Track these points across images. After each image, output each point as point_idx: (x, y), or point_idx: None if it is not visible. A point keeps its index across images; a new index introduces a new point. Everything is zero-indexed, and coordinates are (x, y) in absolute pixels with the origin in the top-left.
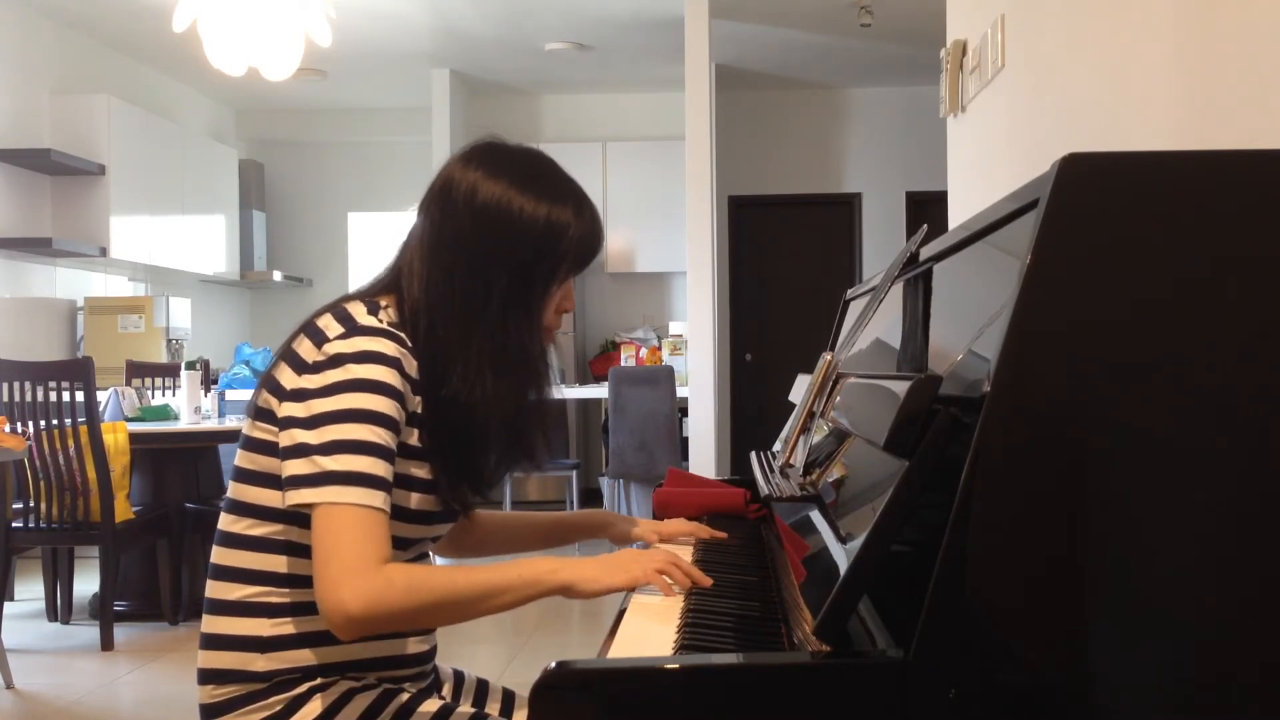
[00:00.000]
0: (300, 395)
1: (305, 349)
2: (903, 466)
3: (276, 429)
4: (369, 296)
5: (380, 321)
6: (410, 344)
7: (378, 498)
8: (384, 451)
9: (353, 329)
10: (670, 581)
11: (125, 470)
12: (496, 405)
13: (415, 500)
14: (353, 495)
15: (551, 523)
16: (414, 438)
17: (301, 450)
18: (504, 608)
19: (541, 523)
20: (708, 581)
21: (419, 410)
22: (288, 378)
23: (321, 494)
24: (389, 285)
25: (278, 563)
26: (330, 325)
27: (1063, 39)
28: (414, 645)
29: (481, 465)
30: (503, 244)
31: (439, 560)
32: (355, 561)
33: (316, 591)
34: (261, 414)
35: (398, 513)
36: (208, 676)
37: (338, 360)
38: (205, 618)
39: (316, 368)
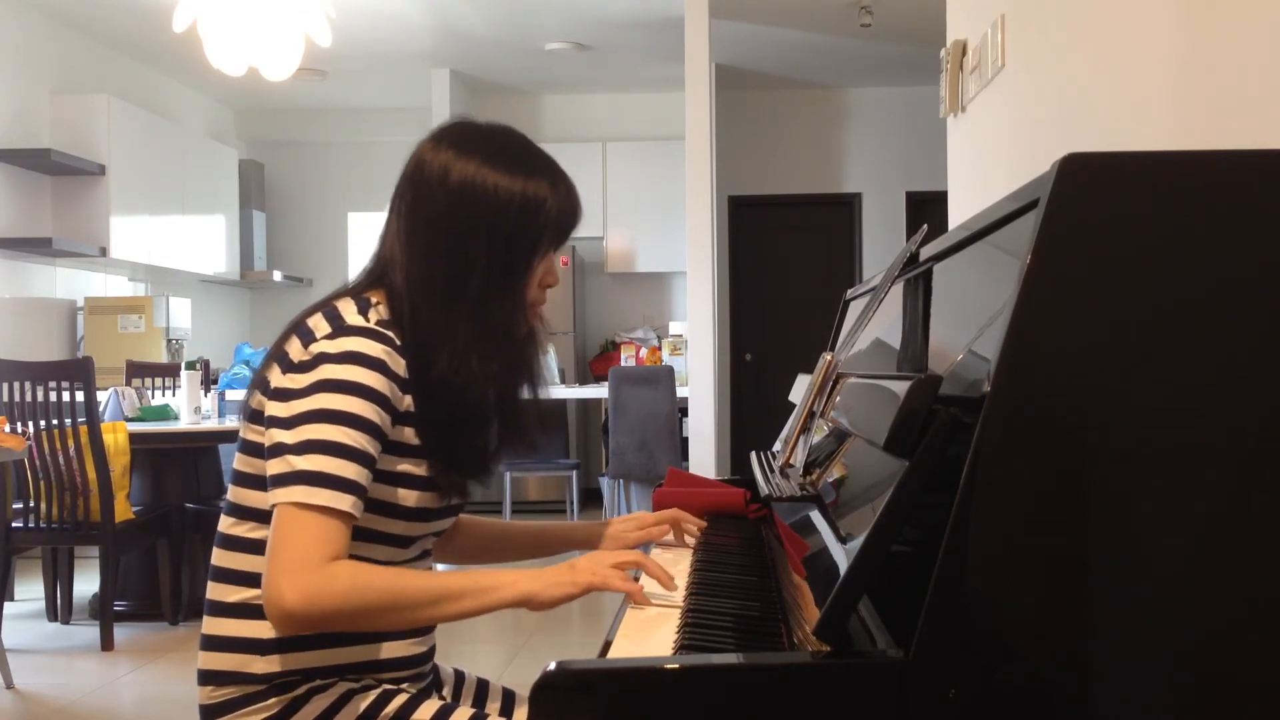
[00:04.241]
0: (283, 395)
1: (294, 349)
2: (903, 466)
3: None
4: (359, 293)
5: (369, 321)
6: (399, 341)
7: (345, 501)
8: (357, 454)
9: (339, 329)
10: (637, 580)
11: (125, 470)
12: (486, 385)
13: (413, 498)
14: (318, 497)
15: (540, 532)
16: (407, 435)
17: (278, 450)
18: (459, 615)
19: (530, 532)
20: (670, 580)
21: (411, 409)
22: (276, 377)
23: (288, 493)
24: (376, 278)
25: None
26: (319, 325)
27: (1063, 39)
28: (411, 646)
29: (477, 450)
30: (480, 222)
31: (437, 566)
32: (301, 556)
33: (262, 583)
34: (255, 416)
35: (394, 511)
36: (207, 677)
37: (320, 360)
38: (205, 619)
39: (301, 367)
